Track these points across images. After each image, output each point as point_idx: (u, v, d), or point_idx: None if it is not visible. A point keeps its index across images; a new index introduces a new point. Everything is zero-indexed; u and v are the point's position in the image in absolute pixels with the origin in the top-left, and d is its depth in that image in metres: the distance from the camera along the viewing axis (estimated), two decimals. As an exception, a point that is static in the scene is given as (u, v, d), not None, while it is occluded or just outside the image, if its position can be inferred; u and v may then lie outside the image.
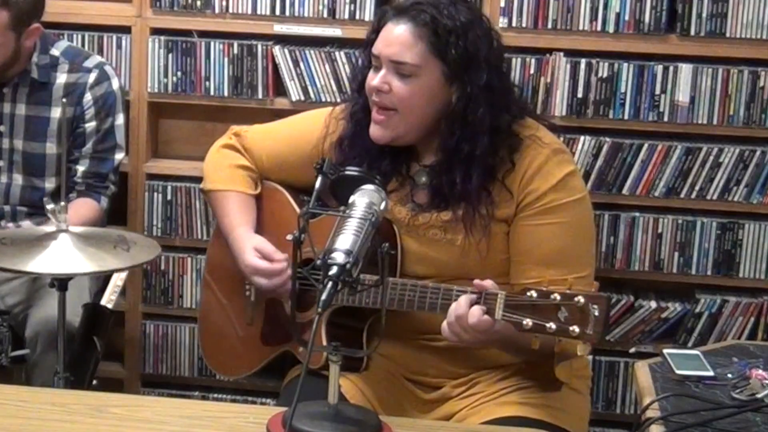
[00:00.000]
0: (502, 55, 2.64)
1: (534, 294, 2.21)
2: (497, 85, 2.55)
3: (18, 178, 3.32)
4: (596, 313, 2.16)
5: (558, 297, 2.18)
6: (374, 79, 2.56)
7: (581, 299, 2.17)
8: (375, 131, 2.59)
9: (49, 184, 3.31)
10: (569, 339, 2.19)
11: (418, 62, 2.52)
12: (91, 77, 3.31)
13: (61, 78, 3.30)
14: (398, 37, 2.53)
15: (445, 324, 2.35)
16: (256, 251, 2.68)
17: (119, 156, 3.38)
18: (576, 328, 2.16)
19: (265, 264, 2.67)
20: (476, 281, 2.33)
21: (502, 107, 2.56)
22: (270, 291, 2.70)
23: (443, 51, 2.51)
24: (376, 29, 2.60)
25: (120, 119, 3.37)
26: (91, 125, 3.31)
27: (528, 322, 2.21)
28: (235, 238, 2.74)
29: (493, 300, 2.27)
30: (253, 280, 2.70)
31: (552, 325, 2.18)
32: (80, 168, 3.31)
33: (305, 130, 2.78)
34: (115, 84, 3.36)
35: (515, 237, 2.56)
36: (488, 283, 2.31)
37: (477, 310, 2.28)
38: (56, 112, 3.26)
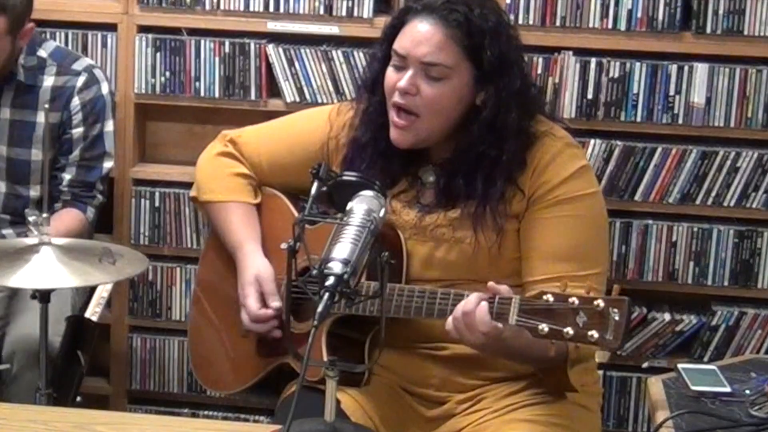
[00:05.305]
0: (524, 55, 2.66)
1: (551, 298, 2.20)
2: (526, 89, 2.57)
3: (1, 185, 3.32)
4: (616, 317, 2.15)
5: (576, 301, 2.17)
6: (400, 80, 2.54)
7: (600, 303, 2.16)
8: (396, 135, 2.58)
9: (34, 192, 3.30)
10: (588, 345, 2.19)
11: (450, 64, 2.51)
12: (80, 81, 3.31)
13: (49, 81, 3.30)
14: (429, 37, 2.51)
15: (450, 318, 2.34)
16: (256, 281, 2.69)
17: (108, 164, 3.36)
18: (595, 333, 2.15)
19: (255, 307, 2.67)
20: (490, 284, 2.31)
21: (528, 109, 2.58)
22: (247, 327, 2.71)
23: (477, 53, 2.51)
24: (397, 24, 2.58)
25: (109, 126, 3.36)
26: (78, 131, 3.30)
27: (544, 327, 2.19)
28: (242, 257, 2.74)
29: (507, 304, 2.27)
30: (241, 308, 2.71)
31: (569, 330, 2.17)
32: (66, 176, 3.30)
33: (307, 131, 2.78)
34: (105, 88, 3.35)
35: (526, 231, 2.56)
36: (503, 288, 2.30)
37: (486, 316, 2.28)
38: (42, 117, 3.24)
